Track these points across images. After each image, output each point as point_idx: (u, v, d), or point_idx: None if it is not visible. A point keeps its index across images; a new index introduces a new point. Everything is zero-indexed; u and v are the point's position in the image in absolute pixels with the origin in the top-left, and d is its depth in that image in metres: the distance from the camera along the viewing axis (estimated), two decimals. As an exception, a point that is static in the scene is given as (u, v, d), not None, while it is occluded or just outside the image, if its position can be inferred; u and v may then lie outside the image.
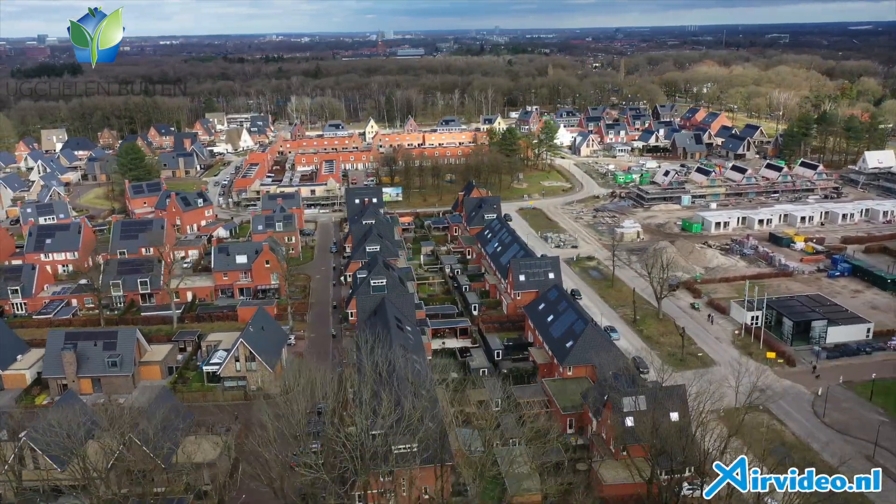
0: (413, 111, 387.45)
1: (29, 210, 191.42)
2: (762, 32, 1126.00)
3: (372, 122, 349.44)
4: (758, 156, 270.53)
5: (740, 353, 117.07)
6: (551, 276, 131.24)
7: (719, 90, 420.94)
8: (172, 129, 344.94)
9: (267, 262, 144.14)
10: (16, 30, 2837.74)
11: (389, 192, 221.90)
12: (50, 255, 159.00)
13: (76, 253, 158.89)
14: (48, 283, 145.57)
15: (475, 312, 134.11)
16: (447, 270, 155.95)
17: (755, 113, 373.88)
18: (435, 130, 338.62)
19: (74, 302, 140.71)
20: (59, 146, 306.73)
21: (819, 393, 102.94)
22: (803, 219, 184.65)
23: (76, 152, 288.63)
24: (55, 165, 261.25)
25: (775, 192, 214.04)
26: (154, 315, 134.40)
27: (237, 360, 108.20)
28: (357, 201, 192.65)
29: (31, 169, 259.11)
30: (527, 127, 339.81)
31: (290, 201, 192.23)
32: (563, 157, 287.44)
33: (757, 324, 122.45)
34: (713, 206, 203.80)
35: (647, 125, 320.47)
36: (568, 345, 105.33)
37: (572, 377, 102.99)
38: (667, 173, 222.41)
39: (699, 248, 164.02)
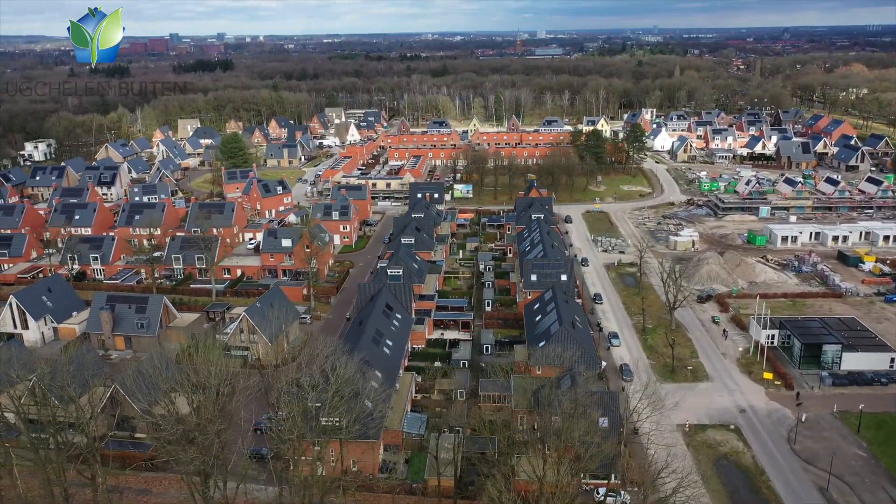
0: (521, 111, 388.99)
1: (136, 189, 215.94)
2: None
3: (475, 121, 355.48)
4: (874, 168, 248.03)
5: (741, 371, 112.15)
6: (563, 277, 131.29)
7: (856, 96, 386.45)
8: (292, 122, 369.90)
9: (307, 247, 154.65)
10: (202, 28, 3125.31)
11: (460, 189, 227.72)
12: (137, 229, 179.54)
13: (158, 229, 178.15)
14: (125, 253, 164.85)
15: (488, 308, 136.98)
16: (481, 266, 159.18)
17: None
18: (537, 131, 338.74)
19: (144, 272, 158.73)
20: (190, 134, 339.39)
21: (803, 419, 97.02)
22: (886, 238, 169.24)
23: (201, 140, 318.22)
24: (177, 151, 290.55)
25: (870, 207, 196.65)
26: (201, 287, 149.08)
27: (242, 332, 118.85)
28: (419, 195, 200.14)
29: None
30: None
31: (357, 193, 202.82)
32: (658, 162, 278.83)
33: (773, 343, 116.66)
34: (793, 219, 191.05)
35: (760, 131, 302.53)
36: (540, 344, 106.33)
37: (541, 376, 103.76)
38: (748, 182, 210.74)
39: (749, 261, 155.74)
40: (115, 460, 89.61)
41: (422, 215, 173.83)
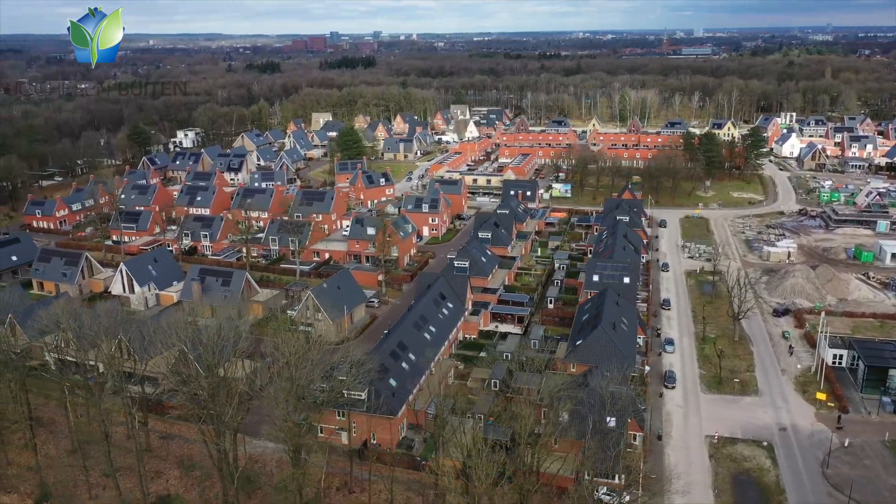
0: (647, 112, 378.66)
1: (257, 175, 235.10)
2: None
3: (594, 120, 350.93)
4: None
5: (795, 389, 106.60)
6: (626, 280, 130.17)
7: None
8: (416, 118, 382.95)
9: (388, 236, 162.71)
10: (361, 26, 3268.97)
11: (558, 188, 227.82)
12: (248, 212, 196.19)
13: (266, 212, 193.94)
14: (231, 232, 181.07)
15: (550, 305, 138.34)
16: (556, 265, 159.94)
17: None
18: (659, 132, 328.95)
19: (244, 250, 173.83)
20: (320, 127, 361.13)
21: (846, 444, 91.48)
22: None
23: (328, 133, 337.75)
24: (304, 142, 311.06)
25: None
26: (289, 267, 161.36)
27: (308, 310, 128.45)
28: (512, 192, 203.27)
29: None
30: (765, 134, 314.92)
31: (453, 188, 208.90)
32: (782, 169, 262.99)
33: (839, 363, 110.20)
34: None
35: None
36: (577, 343, 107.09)
37: (575, 373, 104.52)
38: (869, 194, 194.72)
39: (843, 277, 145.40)
40: (174, 410, 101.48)
41: (506, 212, 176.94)
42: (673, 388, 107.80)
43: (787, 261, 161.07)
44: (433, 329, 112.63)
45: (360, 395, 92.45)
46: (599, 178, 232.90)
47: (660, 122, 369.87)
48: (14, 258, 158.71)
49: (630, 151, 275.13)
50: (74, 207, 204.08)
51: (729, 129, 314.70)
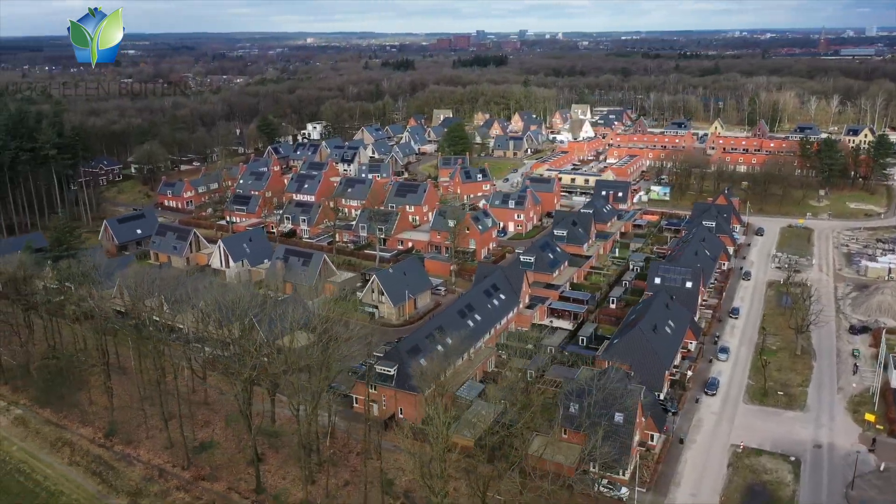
0: (778, 115, 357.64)
1: (364, 167, 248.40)
2: None
3: (717, 123, 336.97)
4: None
5: (846, 408, 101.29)
6: (689, 285, 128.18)
7: None
8: (535, 116, 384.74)
9: (467, 229, 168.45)
10: (510, 25, 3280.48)
11: (657, 191, 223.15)
12: (347, 200, 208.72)
13: (364, 201, 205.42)
14: (328, 218, 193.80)
15: (612, 305, 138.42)
16: (630, 266, 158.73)
17: None
18: (787, 137, 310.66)
19: (337, 235, 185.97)
20: (439, 122, 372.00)
21: (882, 468, 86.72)
22: None
23: (444, 129, 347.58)
24: (419, 138, 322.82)
25: None
26: (372, 253, 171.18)
27: (373, 292, 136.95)
28: (603, 193, 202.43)
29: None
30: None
31: (545, 186, 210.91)
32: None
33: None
34: None
35: None
36: (614, 341, 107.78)
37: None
38: None
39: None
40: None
41: (588, 211, 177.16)
42: (713, 395, 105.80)
43: (888, 277, 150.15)
44: (478, 318, 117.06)
45: (390, 371, 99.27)
46: (703, 183, 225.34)
47: (793, 127, 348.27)
48: (138, 231, 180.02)
49: (746, 156, 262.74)
50: (200, 190, 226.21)
51: (866, 135, 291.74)
